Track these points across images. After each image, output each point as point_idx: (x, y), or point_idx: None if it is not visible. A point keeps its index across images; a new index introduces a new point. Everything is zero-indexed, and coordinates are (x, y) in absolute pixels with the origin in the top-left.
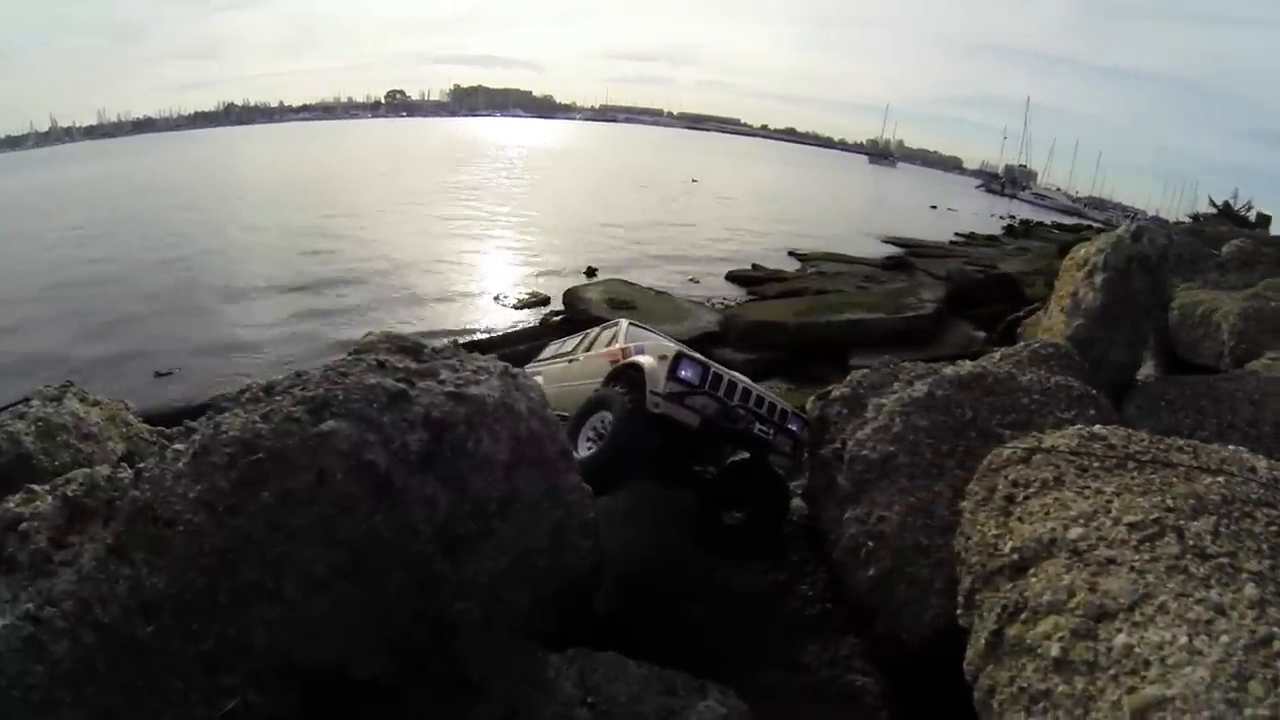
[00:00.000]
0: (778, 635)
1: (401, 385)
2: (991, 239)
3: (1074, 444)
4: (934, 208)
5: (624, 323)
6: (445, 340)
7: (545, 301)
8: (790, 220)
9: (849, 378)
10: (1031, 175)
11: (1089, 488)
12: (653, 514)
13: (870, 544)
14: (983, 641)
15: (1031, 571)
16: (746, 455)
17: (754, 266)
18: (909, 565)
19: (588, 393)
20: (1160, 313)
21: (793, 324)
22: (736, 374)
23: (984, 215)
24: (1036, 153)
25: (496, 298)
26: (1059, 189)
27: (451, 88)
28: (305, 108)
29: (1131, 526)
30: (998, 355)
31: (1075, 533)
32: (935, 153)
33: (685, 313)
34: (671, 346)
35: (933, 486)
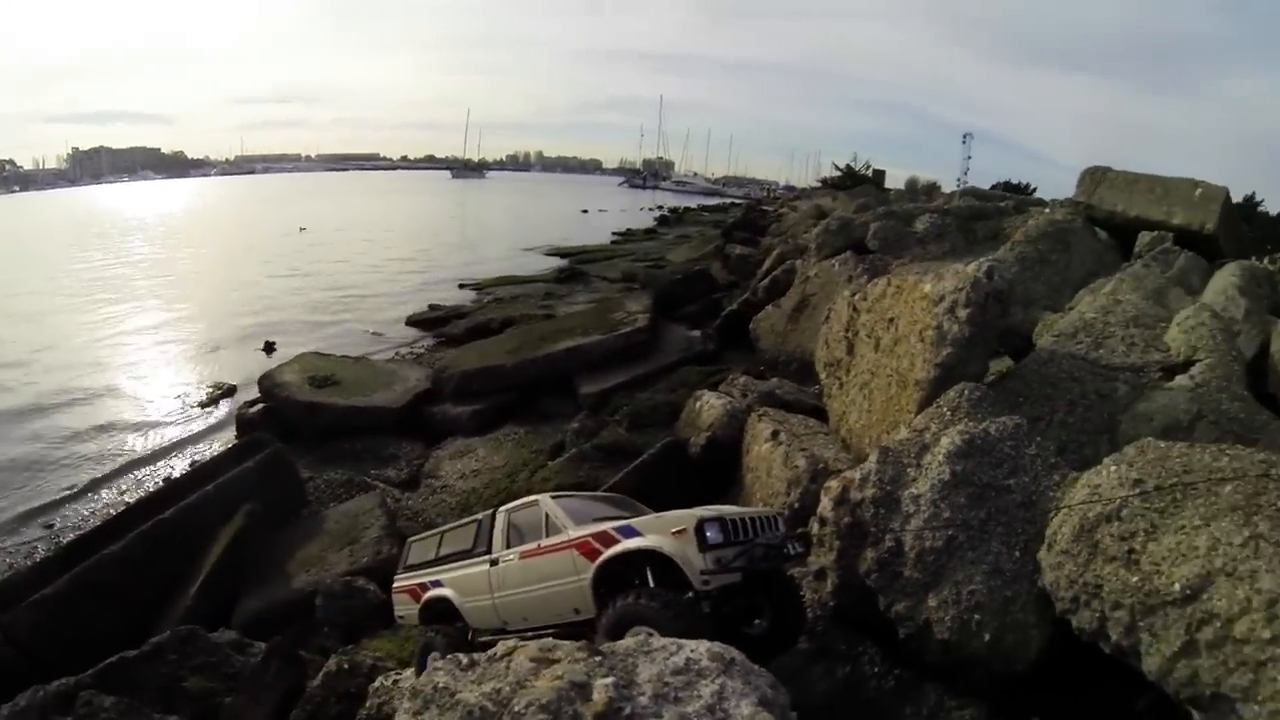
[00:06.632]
0: (872, 712)
1: None
2: (650, 232)
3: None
4: (585, 211)
5: (544, 500)
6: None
7: (231, 392)
8: (443, 250)
9: (859, 473)
10: (670, 165)
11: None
12: None
13: (978, 617)
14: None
15: None
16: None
17: (430, 306)
18: (1008, 618)
19: (549, 596)
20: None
21: (510, 364)
22: (728, 507)
23: (633, 211)
24: (674, 145)
25: (178, 397)
26: (696, 174)
27: (70, 151)
28: None
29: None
30: (952, 427)
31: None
32: (574, 158)
33: (390, 375)
34: (672, 517)
35: (989, 547)
